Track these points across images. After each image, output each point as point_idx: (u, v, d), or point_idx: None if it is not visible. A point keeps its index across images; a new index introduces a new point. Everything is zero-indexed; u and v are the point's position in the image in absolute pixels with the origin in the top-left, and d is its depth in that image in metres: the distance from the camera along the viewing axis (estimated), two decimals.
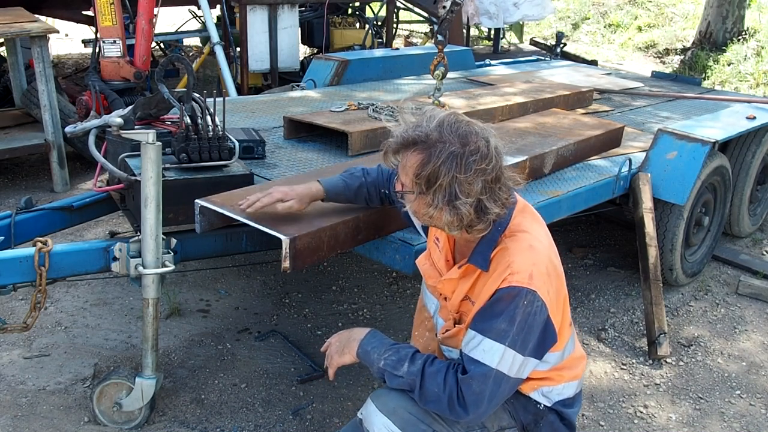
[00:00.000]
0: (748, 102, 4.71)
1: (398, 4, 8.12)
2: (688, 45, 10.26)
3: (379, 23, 7.68)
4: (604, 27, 11.96)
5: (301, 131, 3.48)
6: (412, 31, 11.35)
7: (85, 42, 7.00)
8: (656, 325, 3.28)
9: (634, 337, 3.44)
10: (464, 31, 9.35)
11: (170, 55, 6.32)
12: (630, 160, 3.44)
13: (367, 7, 7.91)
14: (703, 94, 5.26)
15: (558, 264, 1.85)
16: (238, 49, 6.14)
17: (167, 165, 2.59)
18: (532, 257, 1.76)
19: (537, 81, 4.89)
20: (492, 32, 10.56)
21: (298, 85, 4.72)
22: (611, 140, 3.66)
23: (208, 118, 2.67)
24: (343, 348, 1.93)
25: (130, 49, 4.72)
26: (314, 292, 3.71)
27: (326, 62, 4.83)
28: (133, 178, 2.60)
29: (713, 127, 3.77)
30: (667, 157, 3.50)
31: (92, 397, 2.60)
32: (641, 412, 2.90)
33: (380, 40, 7.38)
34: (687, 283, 3.92)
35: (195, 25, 8.52)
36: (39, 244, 2.43)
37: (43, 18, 5.95)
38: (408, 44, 10.19)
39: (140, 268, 2.42)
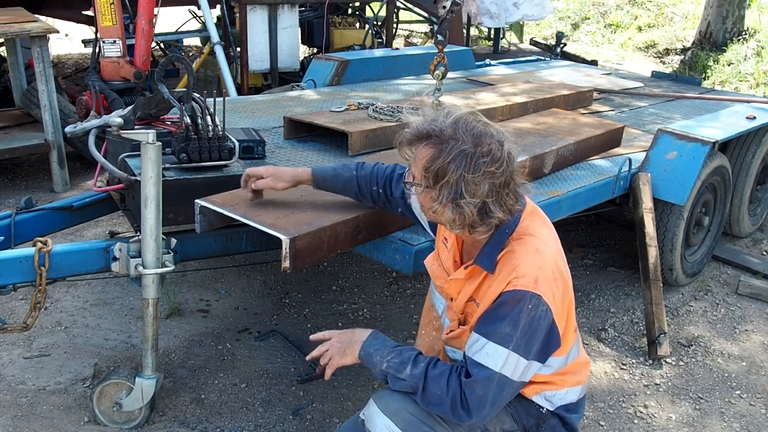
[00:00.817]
0: (748, 102, 4.71)
1: (398, 4, 8.12)
2: (688, 45, 10.26)
3: (379, 23, 7.67)
4: (604, 27, 11.96)
5: (301, 131, 3.47)
6: (412, 31, 11.35)
7: (85, 42, 6.99)
8: (656, 325, 3.28)
9: (634, 337, 3.44)
10: (464, 31, 9.34)
11: (170, 55, 6.31)
12: (630, 160, 3.44)
13: (367, 7, 7.91)
14: (703, 94, 5.26)
15: (565, 269, 1.85)
16: (238, 49, 6.14)
17: (167, 165, 2.59)
18: (538, 261, 1.75)
19: (537, 81, 4.89)
20: (492, 32, 10.57)
21: (298, 85, 4.72)
22: (611, 140, 3.66)
23: (208, 118, 2.67)
24: (344, 349, 1.92)
25: (130, 49, 4.72)
26: (314, 292, 3.71)
27: (326, 62, 4.83)
28: (133, 178, 2.60)
29: (713, 127, 3.77)
30: (667, 157, 3.50)
31: (92, 397, 2.60)
32: (641, 412, 2.90)
33: (380, 40, 7.38)
34: (687, 283, 3.92)
35: (195, 25, 8.52)
36: (39, 244, 2.43)
37: (43, 18, 5.95)
38: (408, 44, 10.19)
39: (140, 268, 2.42)
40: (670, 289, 3.82)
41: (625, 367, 3.19)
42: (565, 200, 3.03)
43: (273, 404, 2.82)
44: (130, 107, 2.82)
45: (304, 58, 7.20)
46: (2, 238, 2.66)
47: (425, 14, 9.34)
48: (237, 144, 2.76)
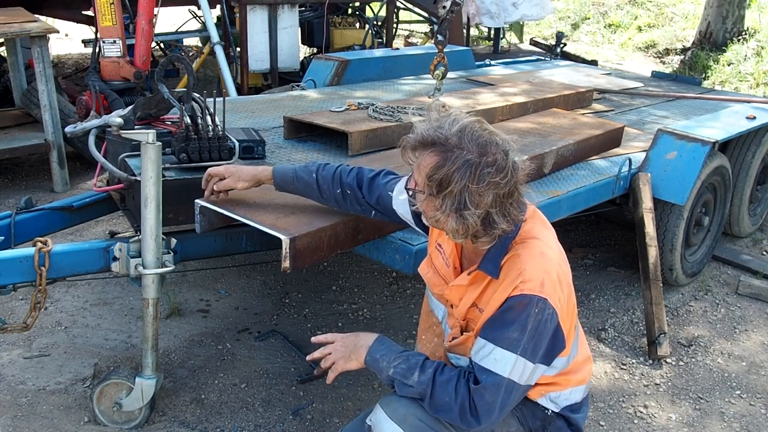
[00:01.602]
0: (748, 102, 4.71)
1: (398, 4, 8.11)
2: (688, 45, 10.25)
3: (379, 23, 7.67)
4: (604, 27, 11.96)
5: (301, 131, 3.47)
6: (412, 31, 11.35)
7: (85, 42, 6.99)
8: (656, 325, 3.28)
9: (634, 337, 3.44)
10: (464, 31, 9.35)
11: (170, 55, 6.32)
12: (630, 160, 3.44)
13: (367, 7, 7.91)
14: (703, 94, 5.26)
15: (568, 270, 1.84)
16: (238, 49, 6.14)
17: (167, 165, 2.59)
18: (543, 264, 1.74)
19: (537, 81, 4.89)
20: (492, 32, 10.56)
21: (298, 85, 4.72)
22: (611, 140, 3.66)
23: (208, 118, 2.67)
24: (349, 354, 1.89)
25: (130, 49, 4.72)
26: (314, 292, 3.71)
27: (326, 62, 4.83)
28: (133, 178, 2.60)
29: (713, 127, 3.77)
30: (667, 157, 3.50)
31: (92, 397, 2.60)
32: (641, 412, 2.90)
33: (380, 40, 7.37)
34: (687, 283, 3.92)
35: (195, 25, 8.52)
36: (39, 244, 2.43)
37: (43, 18, 5.95)
38: (408, 44, 10.19)
39: (140, 268, 2.42)
40: (670, 289, 3.82)
41: (625, 367, 3.19)
42: (565, 200, 3.03)
43: (273, 404, 2.82)
44: (130, 107, 2.82)
45: (304, 58, 7.20)
46: (2, 238, 2.66)
47: (425, 14, 9.34)
48: (237, 144, 2.76)
